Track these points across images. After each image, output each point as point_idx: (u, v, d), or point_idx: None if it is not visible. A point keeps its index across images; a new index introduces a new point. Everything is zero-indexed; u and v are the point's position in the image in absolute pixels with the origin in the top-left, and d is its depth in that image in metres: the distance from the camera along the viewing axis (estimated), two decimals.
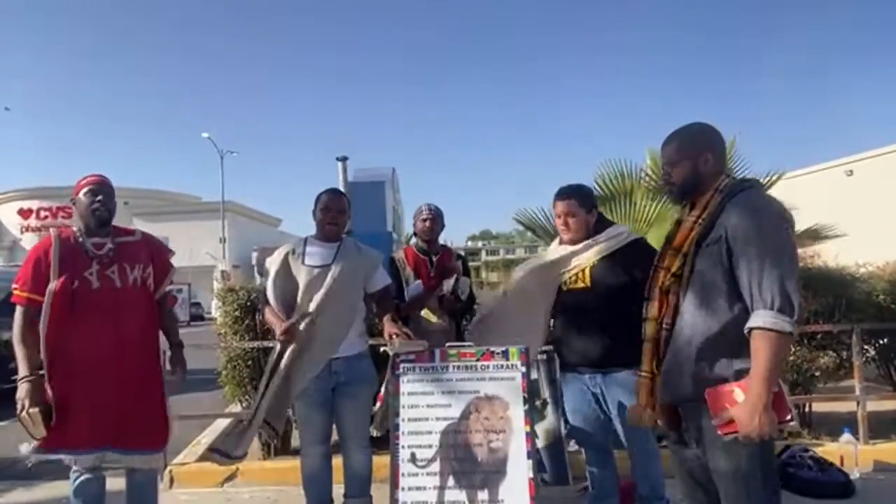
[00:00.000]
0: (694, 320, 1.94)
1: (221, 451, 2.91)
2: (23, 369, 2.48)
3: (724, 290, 1.89)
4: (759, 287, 1.80)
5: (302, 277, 2.90)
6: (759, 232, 1.83)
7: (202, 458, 4.42)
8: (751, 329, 1.80)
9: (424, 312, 3.48)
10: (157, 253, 2.80)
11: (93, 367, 2.50)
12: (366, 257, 3.04)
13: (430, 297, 3.45)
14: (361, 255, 3.03)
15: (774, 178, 6.27)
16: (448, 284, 3.42)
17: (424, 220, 3.63)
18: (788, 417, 1.81)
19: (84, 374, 2.49)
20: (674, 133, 2.12)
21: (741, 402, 1.79)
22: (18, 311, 2.54)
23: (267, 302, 2.98)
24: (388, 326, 2.86)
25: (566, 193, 2.93)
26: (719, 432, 1.83)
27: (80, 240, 2.62)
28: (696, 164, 2.03)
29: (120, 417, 2.54)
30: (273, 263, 2.99)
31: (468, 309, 3.74)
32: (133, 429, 2.58)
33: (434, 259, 3.63)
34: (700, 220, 1.98)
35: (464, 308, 3.64)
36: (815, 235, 6.45)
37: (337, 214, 2.98)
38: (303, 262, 2.94)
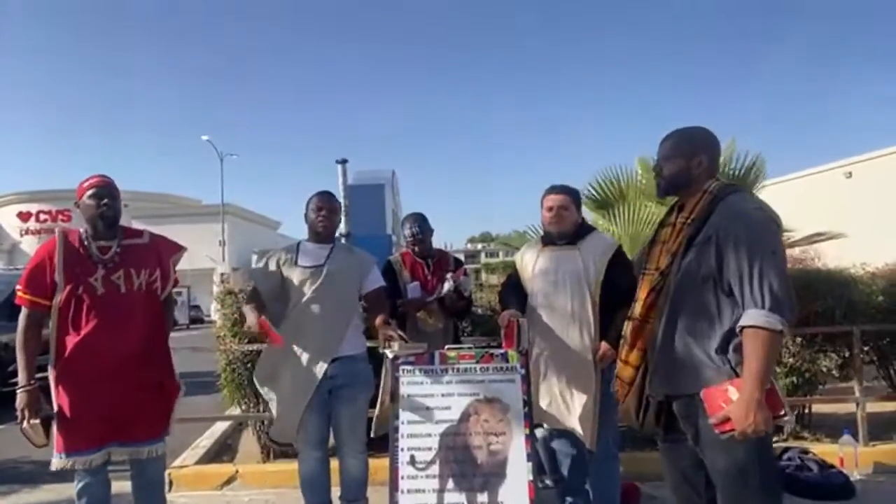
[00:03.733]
0: (685, 318, 1.99)
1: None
2: (22, 377, 2.50)
3: (713, 289, 1.94)
4: (750, 287, 1.84)
5: (295, 277, 2.91)
6: (749, 233, 1.87)
7: (201, 461, 4.43)
8: (742, 328, 1.85)
9: (421, 314, 3.48)
10: (164, 256, 2.77)
11: (97, 372, 2.51)
12: (358, 259, 3.07)
13: (431, 301, 3.44)
14: (354, 256, 3.07)
15: (768, 183, 6.35)
16: (447, 286, 3.41)
17: (413, 245, 3.63)
18: (782, 413, 1.85)
19: (89, 379, 2.50)
20: (675, 130, 2.17)
21: (735, 399, 1.82)
22: (23, 313, 2.55)
23: (252, 299, 2.96)
24: (384, 329, 2.85)
25: (561, 188, 3.03)
26: (716, 431, 1.86)
27: (87, 243, 2.60)
28: (689, 163, 2.08)
29: (123, 416, 2.56)
30: (261, 264, 3.00)
31: (467, 310, 3.74)
32: (135, 425, 2.59)
33: (430, 262, 3.62)
34: (689, 221, 2.03)
35: (463, 309, 3.63)
36: (816, 238, 6.52)
37: (329, 213, 3.00)
38: (295, 263, 2.96)
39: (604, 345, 2.81)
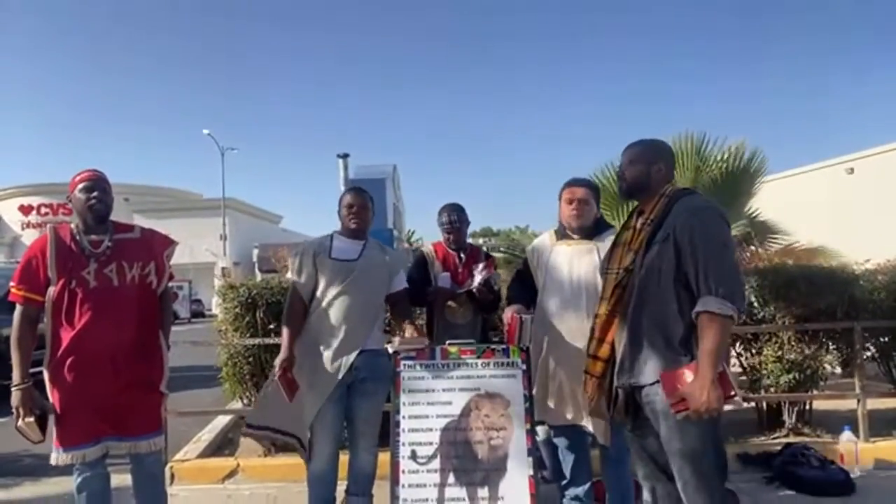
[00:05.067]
0: (649, 312, 2.15)
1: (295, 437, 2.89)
2: (16, 376, 2.50)
3: (673, 283, 2.11)
4: (705, 277, 2.03)
5: (327, 270, 2.92)
6: (703, 230, 2.08)
7: (203, 455, 4.44)
8: (698, 313, 2.02)
9: (450, 304, 3.44)
10: (157, 249, 2.77)
11: (91, 365, 2.51)
12: (390, 257, 3.11)
13: (461, 292, 3.40)
14: (386, 254, 3.10)
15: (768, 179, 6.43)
16: (479, 278, 3.36)
17: (448, 233, 3.56)
18: (732, 393, 2.03)
19: (83, 372, 2.51)
20: (637, 140, 2.40)
21: (690, 380, 2.00)
22: (17, 310, 2.55)
23: (293, 315, 2.94)
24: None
25: (582, 181, 3.00)
26: (672, 411, 2.04)
27: (78, 237, 2.61)
28: (649, 169, 2.30)
29: (118, 410, 2.57)
30: (297, 261, 2.98)
31: (495, 305, 3.65)
32: (131, 418, 2.60)
33: (463, 255, 3.58)
34: (648, 222, 2.23)
35: (491, 303, 3.55)
36: (816, 253, 6.59)
37: (360, 210, 3.02)
38: (329, 256, 2.97)
39: None
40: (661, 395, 2.08)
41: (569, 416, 2.87)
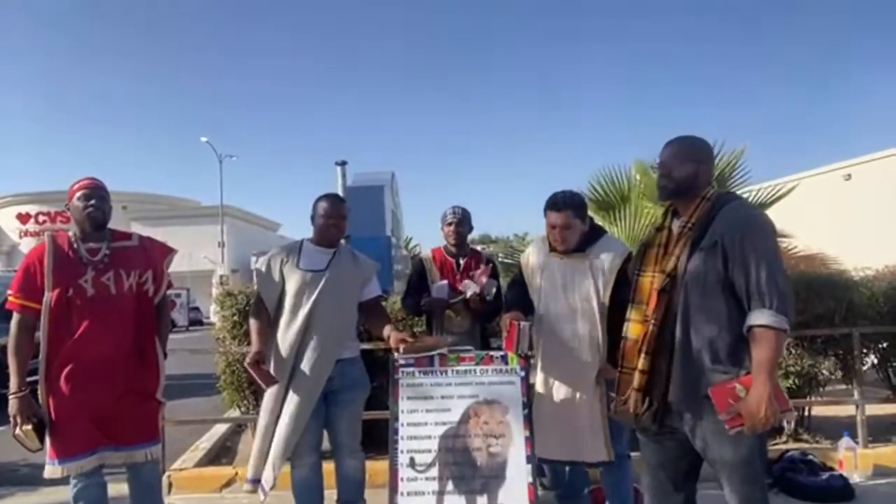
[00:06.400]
0: (700, 325, 2.04)
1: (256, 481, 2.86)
2: (13, 384, 2.48)
3: (721, 292, 2.01)
4: (758, 288, 1.93)
5: (295, 281, 2.87)
6: (754, 238, 1.98)
7: (200, 464, 4.42)
8: (751, 327, 1.93)
9: (448, 312, 3.44)
10: (156, 257, 2.77)
11: (88, 374, 2.50)
12: (361, 266, 3.04)
13: (456, 302, 3.39)
14: (357, 262, 3.03)
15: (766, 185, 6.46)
16: (471, 290, 3.36)
17: (449, 225, 3.57)
18: (789, 407, 1.99)
19: (79, 381, 2.49)
20: (683, 136, 2.23)
21: (746, 396, 1.91)
22: (14, 318, 2.54)
23: (258, 313, 2.94)
24: (395, 335, 2.85)
25: (562, 204, 2.81)
26: (727, 426, 1.94)
27: (76, 245, 2.60)
28: (697, 169, 2.14)
29: (115, 419, 2.55)
30: (263, 267, 2.95)
31: (494, 313, 3.60)
32: (128, 428, 2.59)
33: (461, 261, 3.57)
34: (691, 225, 2.10)
35: (491, 311, 3.53)
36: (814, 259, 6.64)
37: (339, 220, 2.98)
38: (297, 266, 2.92)
39: (608, 366, 2.70)
40: (709, 408, 1.98)
41: (572, 455, 2.83)
